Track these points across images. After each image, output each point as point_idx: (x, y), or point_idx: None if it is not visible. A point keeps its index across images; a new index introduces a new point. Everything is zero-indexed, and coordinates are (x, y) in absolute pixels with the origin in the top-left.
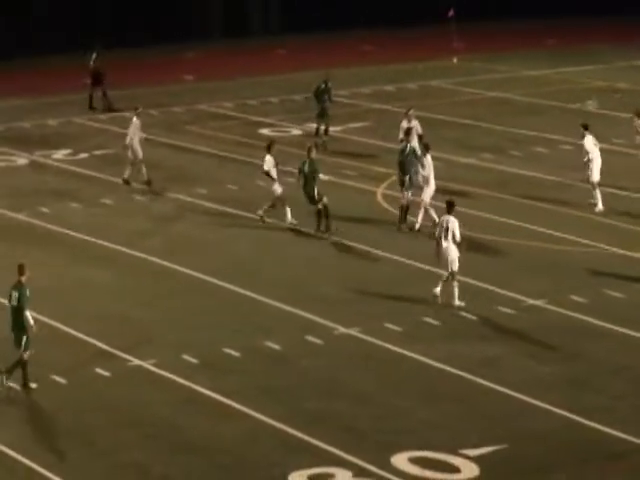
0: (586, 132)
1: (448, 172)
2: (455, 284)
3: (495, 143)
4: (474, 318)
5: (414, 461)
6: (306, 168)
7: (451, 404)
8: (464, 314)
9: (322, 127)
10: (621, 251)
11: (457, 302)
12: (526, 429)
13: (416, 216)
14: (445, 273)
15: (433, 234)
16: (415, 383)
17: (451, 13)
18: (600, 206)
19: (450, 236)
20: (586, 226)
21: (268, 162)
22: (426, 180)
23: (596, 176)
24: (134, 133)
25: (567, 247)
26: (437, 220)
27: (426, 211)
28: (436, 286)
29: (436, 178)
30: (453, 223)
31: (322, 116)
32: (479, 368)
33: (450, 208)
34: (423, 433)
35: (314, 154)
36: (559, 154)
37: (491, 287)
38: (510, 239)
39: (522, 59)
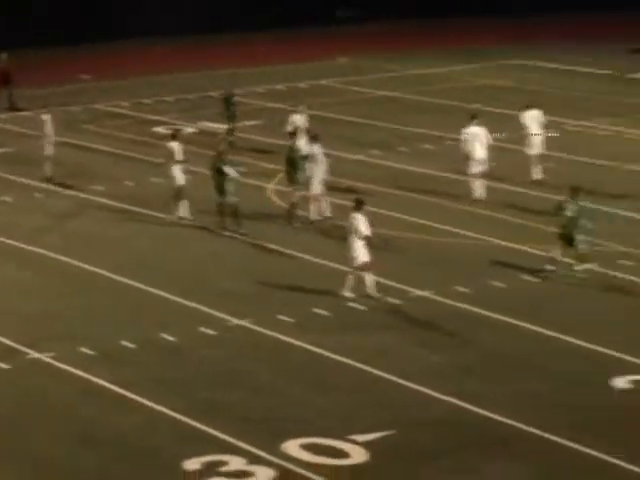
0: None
1: (338, 168)
2: (350, 277)
3: (384, 140)
4: (364, 309)
5: (305, 447)
6: (220, 164)
7: (342, 392)
8: (355, 305)
9: (231, 126)
10: (504, 243)
11: (347, 293)
12: (414, 416)
13: (308, 210)
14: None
15: (325, 228)
16: (307, 372)
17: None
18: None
19: (354, 233)
20: (471, 219)
21: (178, 151)
22: (314, 172)
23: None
24: (51, 130)
25: (453, 239)
26: (328, 213)
27: (316, 202)
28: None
29: (327, 174)
30: (358, 220)
31: (232, 118)
32: (370, 357)
33: (358, 206)
34: (314, 421)
35: (223, 148)
36: (445, 150)
37: (381, 279)
38: (398, 232)
39: (409, 59)
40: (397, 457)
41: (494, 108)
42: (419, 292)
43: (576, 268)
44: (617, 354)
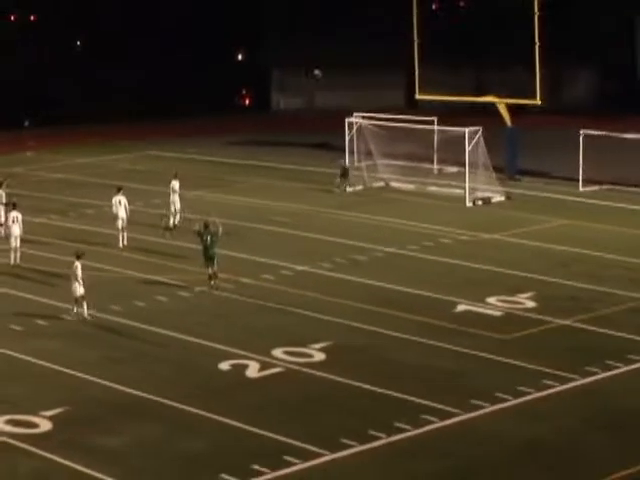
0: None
1: (30, 229)
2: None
3: (58, 208)
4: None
5: (7, 422)
6: None
7: (31, 380)
8: (43, 322)
9: None
10: (142, 275)
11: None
12: (82, 395)
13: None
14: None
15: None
16: (4, 368)
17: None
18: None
19: (79, 276)
20: (119, 259)
21: None
22: (13, 231)
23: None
24: None
25: (105, 274)
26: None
27: (15, 253)
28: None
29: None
30: (77, 266)
31: None
32: (50, 355)
33: (79, 256)
34: (10, 403)
35: None
36: (101, 214)
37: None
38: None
39: (75, 152)
40: (73, 425)
41: (134, 184)
42: (88, 310)
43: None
44: (220, 346)
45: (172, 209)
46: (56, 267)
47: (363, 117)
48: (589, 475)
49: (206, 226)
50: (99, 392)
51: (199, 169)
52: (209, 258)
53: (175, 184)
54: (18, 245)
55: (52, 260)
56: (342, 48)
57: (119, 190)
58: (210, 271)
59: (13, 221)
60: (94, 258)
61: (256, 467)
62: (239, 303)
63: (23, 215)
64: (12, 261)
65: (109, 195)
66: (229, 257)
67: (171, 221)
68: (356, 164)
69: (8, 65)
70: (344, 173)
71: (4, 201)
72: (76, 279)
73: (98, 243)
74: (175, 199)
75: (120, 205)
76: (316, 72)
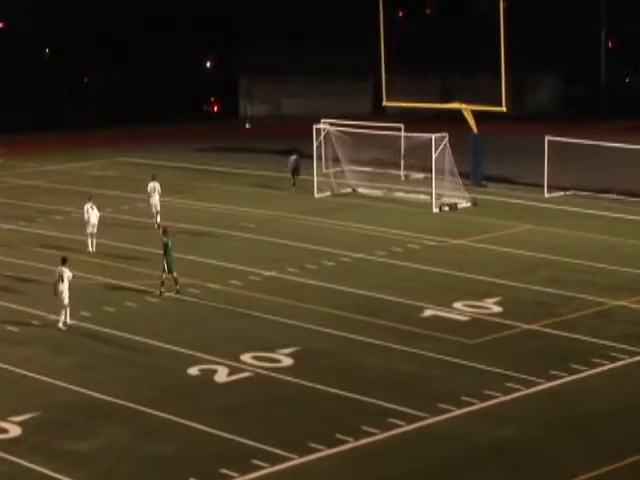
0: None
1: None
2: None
3: (27, 214)
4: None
5: None
6: None
7: (2, 387)
8: (12, 328)
9: None
10: (111, 280)
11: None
12: (52, 400)
13: None
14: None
15: None
16: None
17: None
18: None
19: (66, 281)
20: (85, 264)
21: None
22: None
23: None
24: None
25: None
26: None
27: None
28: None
29: None
30: (67, 272)
31: None
32: (19, 361)
33: (64, 261)
34: None
35: None
36: (71, 220)
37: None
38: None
39: (44, 159)
40: (43, 430)
41: (103, 190)
42: (52, 317)
43: (162, 290)
44: (189, 351)
45: (153, 210)
46: (25, 273)
47: (331, 124)
48: (555, 477)
49: (164, 232)
50: (69, 397)
51: (168, 175)
52: (169, 263)
53: (155, 185)
54: None
55: (21, 266)
56: (309, 55)
57: (90, 198)
58: (165, 276)
59: None
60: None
61: (225, 471)
62: (207, 308)
63: None
64: None
65: (78, 202)
66: (197, 263)
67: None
68: (324, 170)
69: None
70: (295, 169)
71: None
72: (62, 285)
73: (67, 249)
74: (156, 201)
75: (92, 211)
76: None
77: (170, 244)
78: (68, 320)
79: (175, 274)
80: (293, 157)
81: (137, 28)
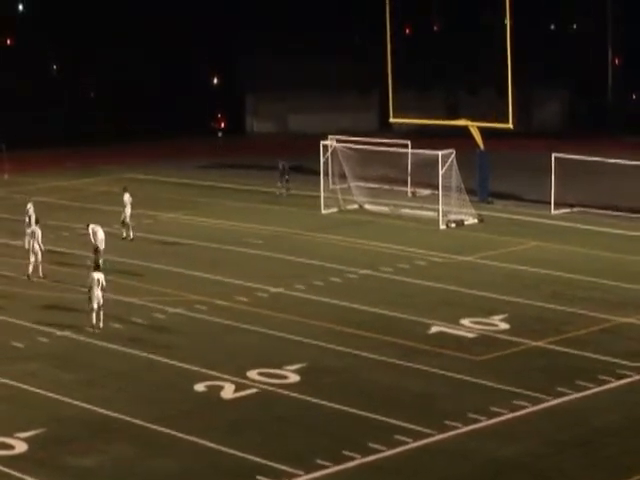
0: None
1: (6, 250)
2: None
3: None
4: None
5: None
6: None
7: (7, 403)
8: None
9: None
10: (114, 296)
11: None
12: (57, 416)
13: None
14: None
15: None
16: None
17: None
18: None
19: (100, 286)
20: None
21: None
22: None
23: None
24: None
25: (78, 295)
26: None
27: None
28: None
29: None
30: (100, 275)
31: None
32: (25, 377)
33: (97, 267)
34: None
35: None
36: (75, 236)
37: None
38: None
39: (49, 176)
40: (49, 446)
41: (109, 207)
42: (59, 332)
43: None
44: (195, 367)
45: (126, 221)
46: (33, 289)
47: (337, 140)
48: None
49: (96, 251)
50: (75, 413)
51: (174, 191)
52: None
53: (127, 198)
54: None
55: (29, 282)
56: (316, 72)
57: (88, 226)
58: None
59: None
60: (70, 279)
61: None
62: (214, 325)
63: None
64: None
65: (86, 219)
66: (203, 279)
67: (124, 234)
68: (330, 187)
69: None
70: (283, 174)
71: None
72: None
73: (74, 265)
74: (127, 213)
75: (97, 229)
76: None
77: (103, 263)
78: (101, 323)
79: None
80: (283, 163)
81: (146, 46)
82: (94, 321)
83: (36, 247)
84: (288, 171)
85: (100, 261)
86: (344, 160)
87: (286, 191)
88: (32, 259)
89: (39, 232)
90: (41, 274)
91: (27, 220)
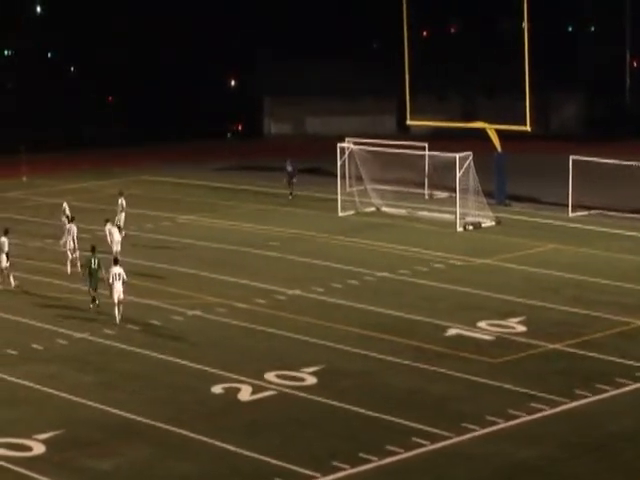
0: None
1: (24, 252)
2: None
3: (54, 233)
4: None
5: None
6: None
7: (26, 405)
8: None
9: None
10: (131, 298)
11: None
12: (75, 418)
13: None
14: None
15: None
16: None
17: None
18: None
19: (120, 280)
20: None
21: None
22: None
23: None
24: None
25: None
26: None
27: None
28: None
29: (16, 255)
30: (120, 269)
31: None
32: (44, 379)
33: (116, 262)
34: (4, 427)
35: None
36: (96, 237)
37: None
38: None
39: (66, 178)
40: (67, 447)
41: (128, 209)
42: (77, 335)
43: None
44: (213, 369)
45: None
46: (52, 291)
47: (354, 143)
48: None
49: (93, 250)
50: (92, 415)
51: (192, 194)
52: (95, 280)
53: (122, 201)
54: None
55: (47, 284)
56: (333, 75)
57: (107, 221)
58: (93, 293)
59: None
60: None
61: None
62: (232, 327)
63: (18, 239)
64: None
65: (101, 220)
66: (221, 281)
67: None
68: (347, 189)
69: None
70: (291, 177)
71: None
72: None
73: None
74: (121, 217)
75: (112, 230)
76: None
77: (95, 264)
78: (119, 317)
79: (96, 292)
80: (289, 165)
81: (166, 50)
82: (116, 315)
83: (72, 244)
84: (296, 173)
85: (96, 260)
86: (361, 162)
87: (291, 195)
88: (70, 255)
89: (75, 229)
90: (79, 268)
91: (64, 219)
